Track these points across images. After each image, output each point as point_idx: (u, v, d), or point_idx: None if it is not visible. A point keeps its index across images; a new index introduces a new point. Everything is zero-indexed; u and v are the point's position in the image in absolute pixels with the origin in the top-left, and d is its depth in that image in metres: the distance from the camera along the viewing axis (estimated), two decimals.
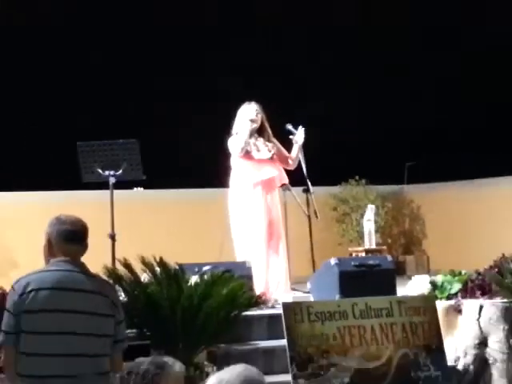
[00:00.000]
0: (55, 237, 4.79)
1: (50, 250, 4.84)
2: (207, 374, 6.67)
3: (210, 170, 10.17)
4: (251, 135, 9.36)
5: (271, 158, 9.45)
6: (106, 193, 8.79)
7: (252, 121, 9.42)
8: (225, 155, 9.56)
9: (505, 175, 12.31)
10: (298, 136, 9.56)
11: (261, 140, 9.45)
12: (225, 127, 9.67)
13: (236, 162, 9.46)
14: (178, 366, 3.95)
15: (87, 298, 4.73)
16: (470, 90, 14.18)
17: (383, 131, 12.84)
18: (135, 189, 10.23)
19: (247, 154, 9.39)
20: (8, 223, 10.67)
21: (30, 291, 4.67)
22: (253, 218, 9.34)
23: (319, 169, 9.82)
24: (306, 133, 9.52)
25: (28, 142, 11.30)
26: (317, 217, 9.64)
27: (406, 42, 15.20)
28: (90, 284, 4.79)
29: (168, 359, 4.07)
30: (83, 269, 4.83)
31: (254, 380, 2.70)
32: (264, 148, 9.40)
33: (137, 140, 8.94)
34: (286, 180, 9.52)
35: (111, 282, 6.51)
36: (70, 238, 4.77)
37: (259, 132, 9.48)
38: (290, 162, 9.59)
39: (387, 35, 14.86)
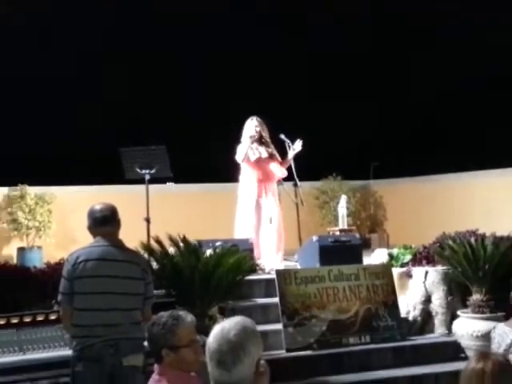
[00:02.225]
0: (91, 224, 4.94)
1: (92, 232, 4.94)
2: (216, 322, 6.73)
3: (224, 169, 10.11)
4: (252, 143, 9.36)
5: (270, 157, 9.45)
6: (143, 187, 8.80)
7: (251, 137, 9.36)
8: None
9: (445, 173, 12.31)
10: (296, 145, 9.45)
11: (262, 147, 9.43)
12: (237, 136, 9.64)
13: (242, 164, 9.49)
14: (189, 318, 4.00)
15: (122, 265, 4.83)
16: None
17: (355, 138, 12.76)
18: (168, 183, 10.20)
19: (248, 161, 9.38)
20: (70, 210, 10.70)
21: (80, 262, 4.77)
22: (255, 205, 9.37)
23: (305, 167, 9.78)
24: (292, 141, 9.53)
25: (84, 148, 11.23)
26: (302, 204, 9.61)
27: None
28: (124, 255, 4.91)
29: (182, 313, 4.12)
30: (118, 244, 4.94)
31: (248, 327, 2.72)
32: (263, 150, 9.39)
33: (165, 146, 8.96)
34: (283, 173, 9.54)
35: (146, 254, 6.60)
36: (101, 222, 4.90)
37: (260, 140, 9.46)
38: (283, 165, 9.57)
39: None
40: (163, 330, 3.92)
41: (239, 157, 9.41)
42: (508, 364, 2.71)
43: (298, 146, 9.46)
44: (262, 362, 2.71)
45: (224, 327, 2.71)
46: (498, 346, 4.64)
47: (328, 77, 14.08)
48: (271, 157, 9.46)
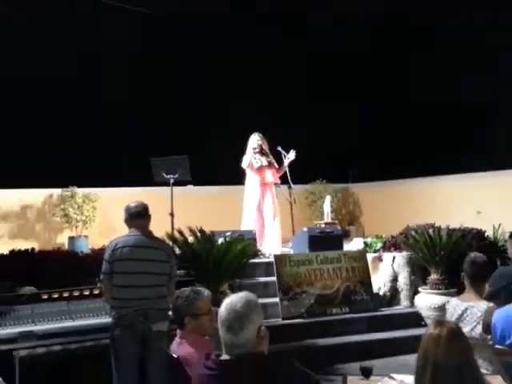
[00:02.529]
0: (128, 218, 4.97)
1: (128, 224, 4.95)
2: (226, 297, 6.73)
3: (232, 174, 10.06)
4: (255, 154, 9.37)
5: (269, 165, 9.45)
6: (168, 188, 8.81)
7: (254, 149, 9.38)
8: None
9: (410, 178, 12.32)
10: (291, 155, 9.46)
11: (263, 157, 9.43)
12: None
13: (247, 170, 9.51)
14: (206, 292, 4.04)
15: (152, 251, 4.87)
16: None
17: (337, 151, 12.64)
18: (188, 185, 10.17)
19: (252, 168, 9.38)
20: (110, 206, 10.71)
21: (118, 248, 4.79)
22: (257, 203, 9.39)
23: (297, 173, 9.76)
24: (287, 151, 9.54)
25: (121, 157, 11.14)
26: (295, 202, 9.57)
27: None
28: (153, 243, 4.94)
29: (201, 288, 4.16)
30: (149, 234, 4.97)
31: (251, 300, 2.72)
32: (264, 160, 9.40)
33: (187, 156, 8.99)
34: (278, 181, 9.56)
35: (170, 242, 6.61)
36: (135, 216, 4.92)
37: (261, 151, 9.47)
38: (279, 171, 9.58)
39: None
40: (186, 301, 3.94)
41: (244, 164, 9.44)
42: (459, 330, 2.71)
43: (291, 155, 9.48)
44: (263, 328, 2.71)
45: (232, 300, 2.73)
46: (451, 315, 4.63)
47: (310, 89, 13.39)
48: (270, 165, 9.47)
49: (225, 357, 2.65)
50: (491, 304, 4.57)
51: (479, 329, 4.43)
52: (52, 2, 11.60)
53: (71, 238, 11.00)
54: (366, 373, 3.67)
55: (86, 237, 10.95)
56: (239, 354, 2.62)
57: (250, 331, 2.64)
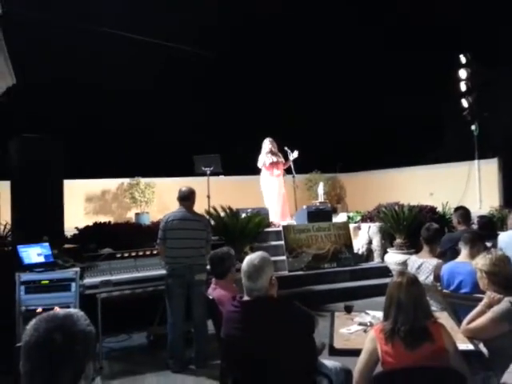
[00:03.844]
0: (178, 198, 4.95)
1: (179, 203, 4.96)
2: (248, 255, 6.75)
3: (252, 167, 9.94)
4: (267, 154, 9.31)
5: (277, 162, 9.39)
6: (205, 178, 8.82)
7: (267, 152, 9.31)
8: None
9: (381, 169, 12.24)
10: (295, 154, 9.30)
11: (273, 156, 9.37)
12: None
13: (260, 166, 9.46)
14: (233, 251, 4.04)
15: (193, 223, 4.87)
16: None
17: (327, 148, 12.52)
18: (220, 176, 10.14)
19: (265, 164, 9.30)
20: (165, 191, 10.77)
21: (170, 220, 4.81)
22: (271, 190, 9.36)
23: (299, 166, 9.69)
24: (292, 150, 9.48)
25: (173, 155, 11.09)
26: (297, 187, 9.60)
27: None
28: (194, 217, 4.94)
29: (229, 248, 4.15)
30: (191, 211, 4.94)
31: (265, 257, 2.71)
32: (274, 158, 9.33)
33: (219, 155, 8.99)
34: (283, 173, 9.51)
35: (207, 216, 6.60)
36: (182, 198, 4.92)
37: (272, 152, 9.41)
38: (285, 165, 9.50)
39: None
40: (222, 256, 3.97)
41: (260, 164, 9.39)
42: (415, 278, 2.69)
43: (295, 154, 9.36)
44: (273, 277, 2.71)
45: (251, 257, 2.73)
46: (410, 268, 4.60)
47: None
48: (278, 161, 9.38)
49: (246, 298, 2.66)
50: (440, 260, 4.54)
51: (431, 278, 4.40)
52: None
53: (137, 214, 11.06)
54: (348, 309, 3.66)
55: (147, 213, 11.00)
56: (256, 296, 2.62)
57: (264, 279, 2.64)
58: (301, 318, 2.64)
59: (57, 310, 1.53)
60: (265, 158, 9.32)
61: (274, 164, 9.32)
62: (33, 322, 1.42)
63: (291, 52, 12.35)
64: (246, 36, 12.07)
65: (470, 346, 2.83)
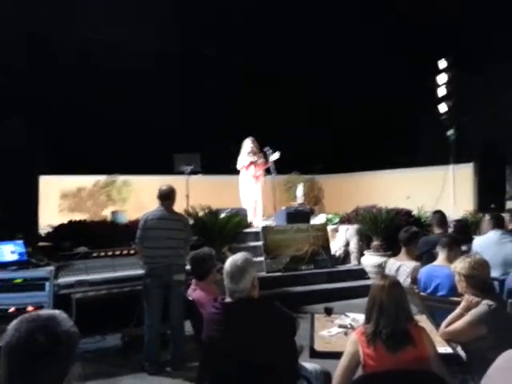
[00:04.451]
0: (159, 196, 4.87)
1: (159, 201, 4.88)
2: (226, 256, 6.69)
3: (231, 167, 9.86)
4: (248, 153, 9.28)
5: (257, 162, 9.34)
6: (185, 176, 8.77)
7: (248, 152, 9.26)
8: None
9: (359, 171, 12.33)
10: (275, 155, 9.22)
11: (254, 156, 9.35)
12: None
13: (240, 166, 9.42)
14: (213, 252, 4.01)
15: (172, 222, 4.80)
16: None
17: (306, 151, 12.49)
18: (199, 175, 10.00)
19: (244, 166, 9.28)
20: (142, 189, 10.60)
21: (149, 219, 4.73)
22: (250, 190, 9.33)
23: (280, 168, 9.67)
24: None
25: (151, 152, 10.87)
26: (276, 188, 9.60)
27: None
28: (174, 216, 4.86)
29: (210, 249, 4.12)
30: (171, 210, 4.87)
31: (248, 258, 2.69)
32: (254, 158, 9.31)
33: (199, 154, 8.95)
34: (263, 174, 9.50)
35: (186, 215, 6.55)
36: (162, 197, 4.84)
37: (252, 151, 9.38)
38: (265, 165, 9.47)
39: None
40: (203, 257, 3.94)
41: (239, 166, 9.32)
42: (397, 281, 2.71)
43: (276, 155, 9.29)
44: (256, 279, 2.70)
45: (234, 258, 2.70)
46: (389, 271, 4.65)
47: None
48: (258, 162, 9.37)
49: (228, 300, 2.63)
50: (418, 263, 4.60)
51: (408, 281, 4.45)
52: None
53: (113, 212, 10.85)
54: (328, 312, 3.66)
55: (124, 211, 10.85)
56: (238, 297, 2.60)
57: (247, 281, 2.61)
58: (283, 320, 2.62)
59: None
60: (245, 158, 9.26)
61: (253, 164, 9.29)
62: (14, 322, 1.37)
63: (270, 51, 12.32)
64: (229, 34, 12.01)
65: (449, 349, 2.87)
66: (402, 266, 4.60)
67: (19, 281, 4.36)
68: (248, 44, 12.11)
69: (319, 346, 3.01)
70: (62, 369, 1.36)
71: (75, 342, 1.41)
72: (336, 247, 8.31)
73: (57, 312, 1.44)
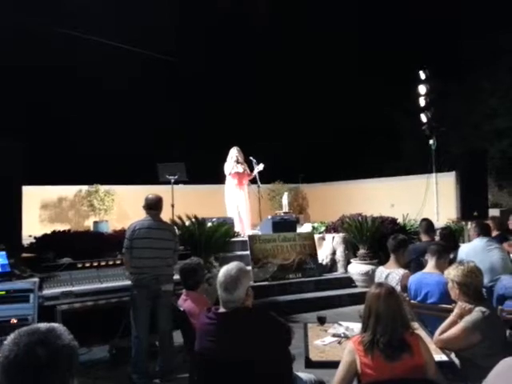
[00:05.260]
0: (145, 206, 4.79)
1: (145, 211, 4.80)
2: (213, 266, 6.63)
3: (216, 176, 9.85)
4: (233, 163, 9.24)
5: (243, 172, 9.34)
6: (169, 186, 8.68)
7: (234, 160, 9.21)
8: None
9: (343, 180, 12.40)
10: (260, 166, 9.19)
11: (239, 165, 9.32)
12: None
13: (227, 176, 9.36)
14: (202, 260, 3.97)
15: (160, 232, 4.72)
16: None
17: (289, 161, 12.58)
18: (180, 184, 9.89)
19: (230, 173, 9.19)
20: (125, 198, 10.57)
21: (136, 229, 4.64)
22: (235, 200, 9.29)
23: (264, 176, 9.68)
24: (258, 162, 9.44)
25: (134, 162, 10.81)
26: (262, 197, 9.54)
27: None
28: (162, 225, 4.79)
29: (199, 259, 4.08)
30: (159, 220, 4.80)
31: (242, 268, 2.65)
32: (240, 167, 9.29)
33: (184, 163, 8.87)
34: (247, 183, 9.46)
35: (173, 224, 6.47)
36: (150, 206, 4.75)
37: (237, 161, 9.35)
38: (250, 176, 9.44)
39: None
40: (190, 267, 3.89)
41: (227, 172, 9.26)
42: (393, 289, 2.69)
43: (260, 167, 9.24)
44: (250, 288, 2.66)
45: (228, 268, 2.67)
46: (378, 278, 4.64)
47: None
48: (244, 171, 9.34)
49: (222, 310, 2.59)
50: (406, 270, 4.61)
51: (398, 288, 4.44)
52: None
53: (95, 222, 10.75)
54: (322, 321, 3.63)
55: (106, 221, 10.72)
56: (232, 307, 2.57)
57: (241, 291, 2.59)
58: (278, 330, 2.60)
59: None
60: (232, 165, 9.23)
61: (239, 174, 9.26)
62: (12, 336, 1.32)
63: (256, 62, 12.40)
64: (213, 44, 12.05)
65: (444, 357, 2.86)
66: (391, 274, 4.60)
67: (2, 293, 4.23)
68: (233, 55, 12.18)
69: (314, 356, 2.98)
70: (63, 382, 1.31)
71: (75, 355, 1.36)
72: (323, 256, 8.30)
73: (56, 325, 1.39)
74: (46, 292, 4.59)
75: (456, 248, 5.62)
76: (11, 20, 8.96)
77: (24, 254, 5.46)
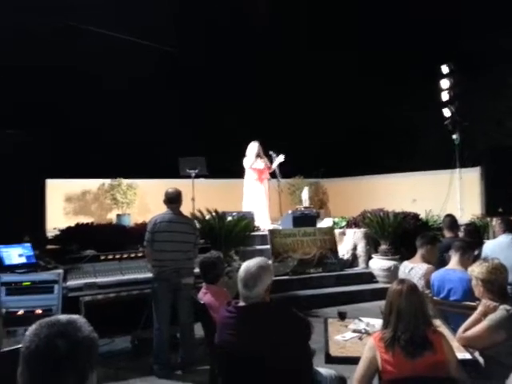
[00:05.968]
0: (165, 200, 4.82)
1: (165, 205, 4.83)
2: (233, 259, 6.65)
3: (236, 170, 9.80)
4: (254, 157, 9.22)
5: (263, 166, 9.30)
6: (190, 180, 8.73)
7: (255, 154, 9.17)
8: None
9: (364, 175, 12.26)
10: (280, 157, 9.15)
11: (259, 159, 9.29)
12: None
13: (247, 169, 9.34)
14: (221, 254, 3.97)
15: (181, 225, 4.76)
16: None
17: (310, 155, 12.45)
18: (200, 179, 9.89)
19: (251, 167, 9.15)
20: (147, 192, 10.65)
21: (158, 222, 4.68)
22: (255, 194, 9.26)
23: (284, 171, 9.62)
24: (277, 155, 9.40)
25: (157, 156, 10.79)
26: (282, 191, 9.51)
27: None
28: (182, 219, 4.82)
29: (219, 253, 4.08)
30: (179, 213, 4.82)
31: (263, 264, 2.63)
32: (260, 163, 9.26)
33: (204, 157, 8.91)
34: (268, 177, 9.43)
35: (193, 218, 6.50)
36: (170, 200, 4.79)
37: (258, 155, 9.32)
38: (271, 170, 9.40)
39: None
40: (210, 260, 3.90)
41: (247, 166, 9.22)
42: (415, 285, 2.65)
43: (280, 158, 9.25)
44: (270, 284, 2.65)
45: (249, 264, 2.66)
46: (402, 273, 4.59)
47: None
48: (264, 165, 9.28)
49: (241, 304, 2.59)
50: (430, 265, 4.54)
51: (421, 283, 4.38)
52: None
53: (118, 215, 10.86)
54: (342, 316, 3.60)
55: (128, 214, 10.80)
56: (252, 302, 2.56)
57: (260, 288, 2.58)
58: (298, 324, 2.59)
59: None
60: (253, 159, 9.19)
61: (259, 170, 9.21)
62: (32, 327, 1.33)
63: (277, 55, 12.30)
64: (235, 40, 12.00)
65: (467, 355, 2.81)
66: (414, 268, 4.54)
67: (28, 283, 4.33)
68: (254, 49, 12.11)
69: (334, 351, 2.95)
70: (83, 374, 1.31)
71: (95, 348, 1.36)
72: (343, 251, 8.26)
73: (76, 316, 1.40)
74: (70, 283, 4.66)
75: (481, 244, 5.52)
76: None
77: (49, 246, 5.56)
